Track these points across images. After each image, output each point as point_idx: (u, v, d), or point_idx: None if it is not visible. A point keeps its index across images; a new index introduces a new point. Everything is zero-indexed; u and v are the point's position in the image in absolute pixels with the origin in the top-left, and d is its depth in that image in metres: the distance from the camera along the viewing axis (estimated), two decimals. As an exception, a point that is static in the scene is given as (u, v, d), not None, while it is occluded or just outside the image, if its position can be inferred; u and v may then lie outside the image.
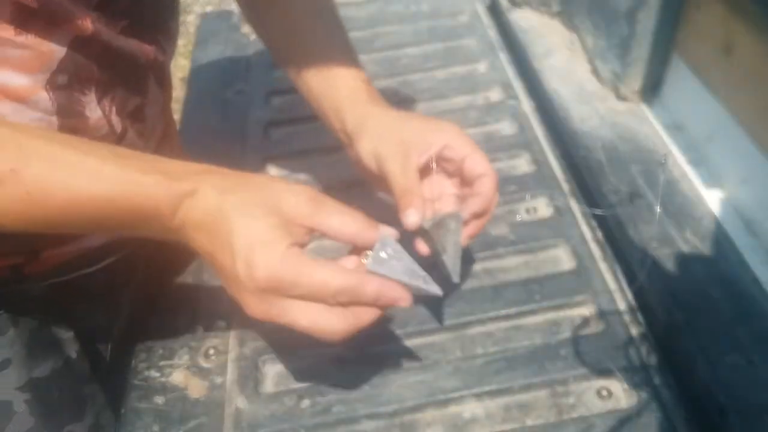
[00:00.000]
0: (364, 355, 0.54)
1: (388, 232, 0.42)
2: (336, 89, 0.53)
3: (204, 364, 0.55)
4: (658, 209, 0.61)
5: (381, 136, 0.49)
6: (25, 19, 0.38)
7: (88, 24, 0.41)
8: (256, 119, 0.79)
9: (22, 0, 0.37)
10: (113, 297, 0.59)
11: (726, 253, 0.59)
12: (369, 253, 0.42)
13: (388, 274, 0.41)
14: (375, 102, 0.52)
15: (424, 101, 0.80)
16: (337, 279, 0.39)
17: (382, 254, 0.41)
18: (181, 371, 0.54)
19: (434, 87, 0.82)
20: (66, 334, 0.53)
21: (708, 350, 0.51)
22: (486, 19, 0.93)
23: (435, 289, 0.43)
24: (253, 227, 0.38)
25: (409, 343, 0.55)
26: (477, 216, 0.49)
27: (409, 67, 0.85)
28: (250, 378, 0.53)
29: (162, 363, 0.55)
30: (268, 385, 0.53)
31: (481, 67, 0.84)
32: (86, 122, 0.44)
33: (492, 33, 0.90)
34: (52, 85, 0.41)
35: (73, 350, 0.54)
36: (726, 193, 0.64)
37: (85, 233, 0.47)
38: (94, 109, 0.45)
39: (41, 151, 0.36)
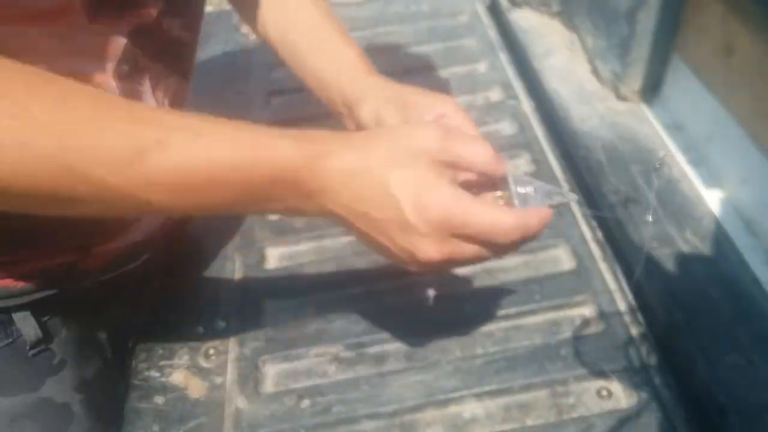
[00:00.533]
0: (364, 356, 0.54)
1: (511, 167, 0.44)
2: (334, 62, 0.54)
3: (204, 364, 0.55)
4: (650, 218, 0.61)
5: (382, 101, 0.50)
6: (95, 7, 0.39)
7: (152, 12, 0.42)
8: (257, 119, 0.79)
9: None
10: (140, 295, 0.59)
11: (726, 253, 0.59)
12: (499, 194, 0.43)
13: (534, 205, 0.43)
14: (373, 73, 0.54)
15: (424, 101, 0.80)
16: (507, 220, 0.39)
17: (521, 190, 0.43)
18: (181, 371, 0.54)
19: (434, 87, 0.81)
20: (102, 335, 0.54)
21: (708, 350, 0.51)
22: (486, 19, 0.93)
23: (573, 197, 0.46)
24: (409, 175, 0.39)
25: (409, 343, 0.55)
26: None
27: (409, 67, 0.85)
28: (250, 378, 0.53)
29: (162, 363, 0.55)
30: (268, 385, 0.53)
31: (481, 67, 0.85)
32: None
33: (492, 33, 0.90)
34: (118, 73, 0.42)
35: (108, 351, 0.54)
36: (726, 193, 0.64)
37: (217, 211, 0.46)
38: (149, 99, 0.46)
39: (180, 123, 0.36)
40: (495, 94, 0.80)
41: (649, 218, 0.61)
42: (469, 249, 0.40)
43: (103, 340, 0.54)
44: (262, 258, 0.63)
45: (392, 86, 0.52)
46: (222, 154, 0.36)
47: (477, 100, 0.80)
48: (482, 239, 0.40)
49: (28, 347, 0.47)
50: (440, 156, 0.40)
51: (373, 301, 0.59)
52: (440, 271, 0.42)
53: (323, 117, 0.79)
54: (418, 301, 0.58)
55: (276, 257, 0.64)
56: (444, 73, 0.84)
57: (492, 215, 0.39)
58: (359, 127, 0.52)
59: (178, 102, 0.50)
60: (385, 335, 0.55)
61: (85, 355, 0.51)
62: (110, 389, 0.54)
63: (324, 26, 0.56)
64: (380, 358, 0.54)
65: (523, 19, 0.90)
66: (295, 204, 0.39)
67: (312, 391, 0.52)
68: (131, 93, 0.44)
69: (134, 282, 0.56)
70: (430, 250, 0.39)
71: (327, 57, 0.55)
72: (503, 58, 0.85)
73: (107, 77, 0.42)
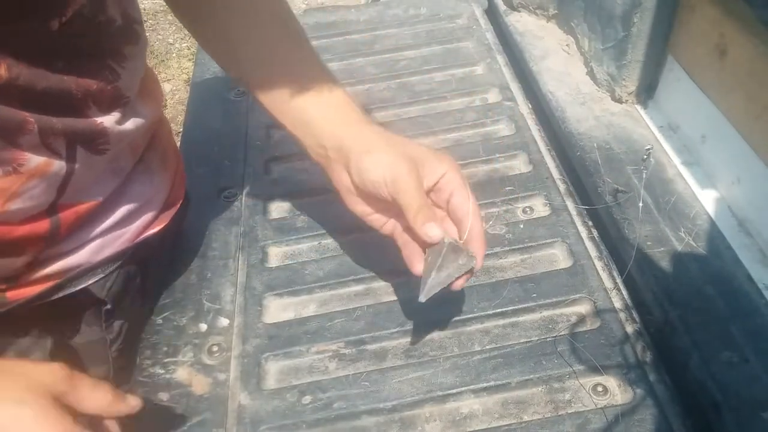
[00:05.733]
0: (364, 352, 0.55)
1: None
2: (324, 104, 0.52)
3: (207, 361, 0.55)
4: (640, 204, 0.62)
5: (394, 155, 0.49)
6: None
7: (1, 72, 0.38)
8: (258, 121, 0.80)
9: None
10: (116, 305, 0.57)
11: (720, 251, 0.60)
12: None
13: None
14: (368, 120, 0.52)
15: (422, 103, 0.81)
16: None
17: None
18: (185, 368, 0.55)
19: (433, 89, 0.83)
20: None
21: (702, 347, 0.52)
22: (484, 22, 0.94)
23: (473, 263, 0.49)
24: (29, 411, 0.36)
25: (408, 340, 0.56)
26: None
27: (408, 69, 0.86)
28: (252, 375, 0.54)
29: (166, 360, 0.56)
30: (270, 382, 0.54)
31: (479, 69, 0.85)
32: (24, 158, 0.42)
33: (489, 36, 0.91)
34: None
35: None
36: (720, 193, 0.65)
37: None
38: (37, 149, 0.43)
39: None
40: (492, 96, 0.81)
41: (640, 203, 0.62)
42: None
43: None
44: (264, 256, 0.64)
45: (396, 139, 0.51)
46: None
47: (474, 101, 0.80)
48: None
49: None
50: (63, 398, 0.38)
51: (373, 299, 0.59)
52: None
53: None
54: (416, 299, 0.59)
55: (278, 256, 0.65)
56: (442, 75, 0.85)
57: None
58: (357, 178, 0.50)
59: (94, 139, 0.47)
60: (385, 332, 0.56)
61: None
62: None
63: (308, 63, 0.53)
64: (380, 355, 0.55)
65: (520, 22, 0.91)
66: None
67: (313, 387, 0.53)
68: (7, 144, 0.41)
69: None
70: None
71: (314, 98, 0.52)
72: (500, 60, 0.86)
73: None
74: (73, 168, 0.46)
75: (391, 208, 0.50)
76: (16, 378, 0.38)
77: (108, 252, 0.53)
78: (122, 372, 0.57)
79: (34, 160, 0.43)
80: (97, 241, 0.52)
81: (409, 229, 0.51)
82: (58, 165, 0.45)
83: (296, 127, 0.54)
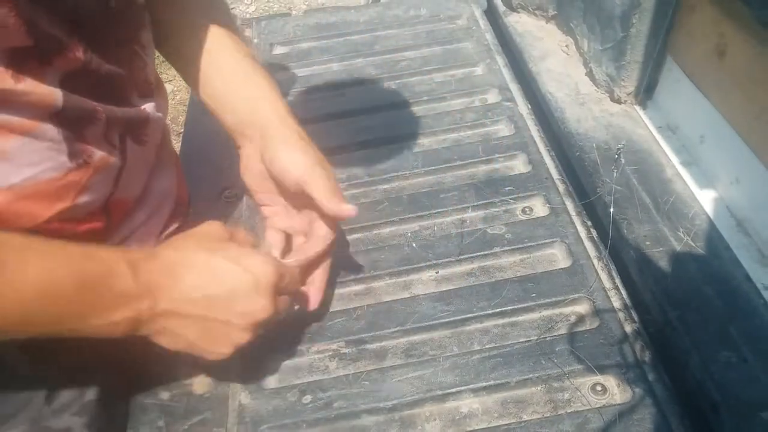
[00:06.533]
0: (364, 352, 0.55)
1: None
2: (249, 92, 0.56)
3: (208, 359, 0.55)
4: (611, 211, 0.62)
5: (308, 153, 0.53)
6: (21, 61, 0.37)
7: (79, 54, 0.41)
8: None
9: (16, 44, 0.36)
10: None
11: (719, 251, 0.60)
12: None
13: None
14: (288, 124, 0.55)
15: (422, 103, 0.81)
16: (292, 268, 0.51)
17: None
18: (186, 367, 0.55)
19: (433, 89, 0.83)
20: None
21: (701, 347, 0.52)
22: (483, 23, 0.94)
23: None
24: (226, 253, 0.46)
25: (408, 339, 0.56)
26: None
27: (408, 69, 0.87)
28: (253, 374, 0.54)
29: (167, 359, 0.56)
30: (271, 381, 0.54)
31: (479, 69, 0.86)
32: (91, 150, 0.45)
33: (489, 36, 0.91)
34: (61, 121, 0.41)
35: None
36: (718, 193, 0.65)
37: (46, 328, 0.41)
38: (99, 141, 0.45)
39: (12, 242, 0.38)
40: (492, 97, 0.81)
41: (611, 210, 0.63)
42: (282, 301, 0.48)
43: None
44: (264, 257, 0.64)
45: (310, 146, 0.54)
46: (52, 265, 0.38)
47: (474, 102, 0.81)
48: (289, 290, 0.49)
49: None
50: (232, 238, 0.49)
51: (373, 299, 0.60)
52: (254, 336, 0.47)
53: (326, 119, 0.80)
54: (416, 299, 0.59)
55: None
56: (442, 75, 0.85)
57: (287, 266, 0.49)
58: (270, 162, 0.53)
59: (135, 138, 0.49)
60: (385, 332, 0.56)
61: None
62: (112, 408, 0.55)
63: (244, 69, 0.57)
64: (380, 354, 0.55)
65: (520, 23, 0.92)
66: (124, 313, 0.41)
67: (313, 386, 0.53)
68: (77, 136, 0.43)
69: None
70: (268, 306, 0.45)
71: (234, 85, 0.56)
72: (500, 61, 0.86)
73: (47, 127, 0.41)
74: (125, 160, 0.48)
75: (279, 192, 0.57)
76: (200, 237, 0.47)
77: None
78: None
79: (98, 152, 0.45)
80: (136, 236, 0.53)
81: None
82: (115, 157, 0.47)
83: (216, 109, 0.57)
